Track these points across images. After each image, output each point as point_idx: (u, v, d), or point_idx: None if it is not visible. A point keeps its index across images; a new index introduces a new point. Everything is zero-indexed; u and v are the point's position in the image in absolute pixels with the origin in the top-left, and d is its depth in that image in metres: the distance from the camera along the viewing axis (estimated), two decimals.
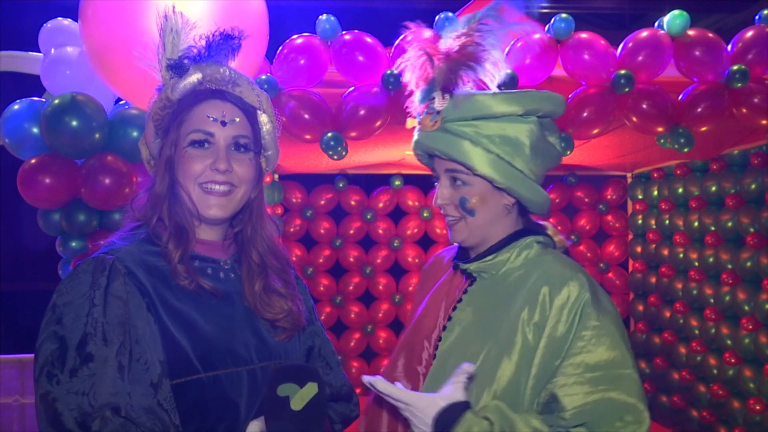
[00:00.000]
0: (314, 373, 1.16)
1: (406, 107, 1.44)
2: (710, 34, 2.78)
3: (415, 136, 1.42)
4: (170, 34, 1.24)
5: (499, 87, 1.40)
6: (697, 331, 4.03)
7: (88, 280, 1.12)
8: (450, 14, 2.70)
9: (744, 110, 2.78)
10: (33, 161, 2.72)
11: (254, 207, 1.31)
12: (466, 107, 1.34)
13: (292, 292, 1.33)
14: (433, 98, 1.36)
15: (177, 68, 1.23)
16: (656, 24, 2.80)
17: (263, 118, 1.30)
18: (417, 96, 1.40)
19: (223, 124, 1.23)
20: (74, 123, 2.60)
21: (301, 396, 1.13)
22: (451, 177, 1.38)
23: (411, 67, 1.39)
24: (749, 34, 2.80)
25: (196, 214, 1.24)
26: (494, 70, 1.36)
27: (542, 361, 1.26)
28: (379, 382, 1.22)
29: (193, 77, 1.23)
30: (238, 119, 1.25)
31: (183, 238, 1.21)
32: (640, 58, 2.72)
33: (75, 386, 1.05)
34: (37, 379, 1.07)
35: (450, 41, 1.37)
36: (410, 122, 1.44)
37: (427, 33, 1.39)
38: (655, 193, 4.56)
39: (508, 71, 1.38)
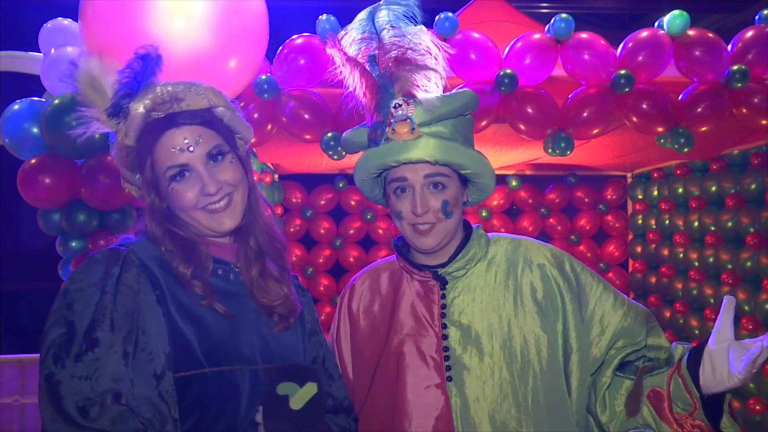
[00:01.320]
0: (314, 374, 1.18)
1: (365, 119, 1.42)
2: (710, 34, 2.78)
3: (386, 145, 1.37)
4: (90, 84, 1.21)
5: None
6: (697, 332, 4.03)
7: (101, 270, 1.14)
8: (450, 14, 2.70)
9: (744, 110, 2.78)
10: (33, 161, 2.72)
11: (251, 197, 1.32)
12: (436, 109, 1.36)
13: (286, 277, 1.35)
14: (399, 105, 1.35)
15: (117, 113, 1.22)
16: (656, 24, 2.80)
17: (219, 111, 1.28)
18: (370, 105, 1.38)
19: (190, 149, 1.22)
20: (74, 123, 2.60)
21: (300, 395, 1.14)
22: (432, 183, 1.39)
23: (351, 75, 1.39)
24: (749, 34, 2.80)
25: (210, 233, 1.26)
26: (441, 71, 1.39)
27: (574, 315, 1.43)
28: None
29: (137, 114, 1.21)
30: (200, 136, 1.23)
31: (193, 255, 1.23)
32: (640, 58, 2.72)
33: (79, 371, 1.06)
34: (43, 360, 1.09)
35: (382, 49, 1.36)
36: (372, 132, 1.39)
37: (348, 41, 1.39)
38: (655, 193, 4.56)
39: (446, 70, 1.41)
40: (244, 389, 1.20)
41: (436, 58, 1.38)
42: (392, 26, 1.37)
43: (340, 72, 1.41)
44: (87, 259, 1.17)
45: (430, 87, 1.39)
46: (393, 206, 1.45)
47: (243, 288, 1.28)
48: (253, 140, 1.41)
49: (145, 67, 1.22)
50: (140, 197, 1.32)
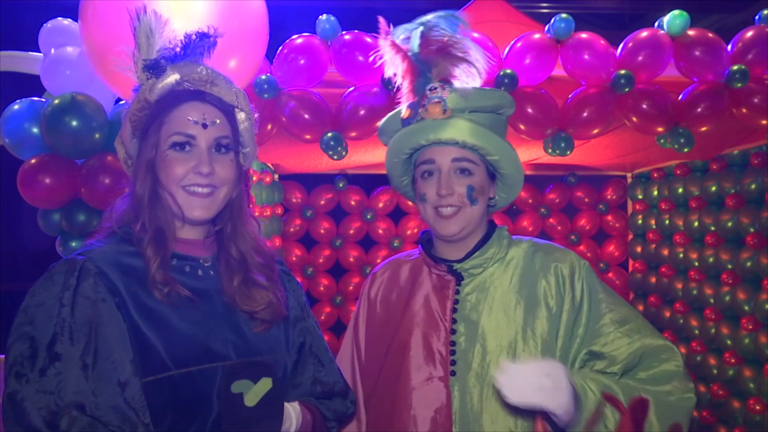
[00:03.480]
0: (269, 368, 1.17)
1: (398, 99, 1.48)
2: (710, 34, 2.78)
3: (418, 124, 1.43)
4: (144, 34, 1.23)
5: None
6: (697, 331, 4.03)
7: (60, 281, 1.13)
8: None
9: (744, 110, 2.78)
10: (33, 161, 2.72)
11: (235, 205, 1.32)
12: (470, 98, 1.41)
13: (273, 284, 1.33)
14: (434, 88, 1.40)
15: (154, 68, 1.23)
16: (656, 24, 2.80)
17: (241, 116, 1.31)
18: (407, 87, 1.45)
19: (204, 126, 1.23)
20: (74, 123, 2.60)
21: (255, 392, 1.14)
22: (459, 168, 1.43)
23: (393, 61, 1.45)
24: (749, 34, 2.80)
25: (180, 215, 1.24)
26: (480, 67, 1.45)
27: (566, 327, 1.42)
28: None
29: (171, 78, 1.23)
30: (218, 120, 1.25)
31: (162, 243, 1.21)
32: (640, 58, 2.72)
33: (44, 385, 1.06)
34: (6, 378, 1.08)
35: (426, 41, 1.43)
36: (406, 111, 1.45)
37: (398, 31, 1.47)
38: (655, 193, 4.56)
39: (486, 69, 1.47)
40: (214, 388, 1.19)
41: (477, 59, 1.44)
42: (439, 28, 1.43)
43: (384, 59, 1.46)
44: (46, 272, 1.17)
45: (468, 81, 1.44)
46: (419, 189, 1.49)
47: (213, 283, 1.27)
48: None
49: (198, 43, 1.25)
50: (124, 163, 1.31)
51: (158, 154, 1.23)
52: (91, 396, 1.07)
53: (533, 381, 1.24)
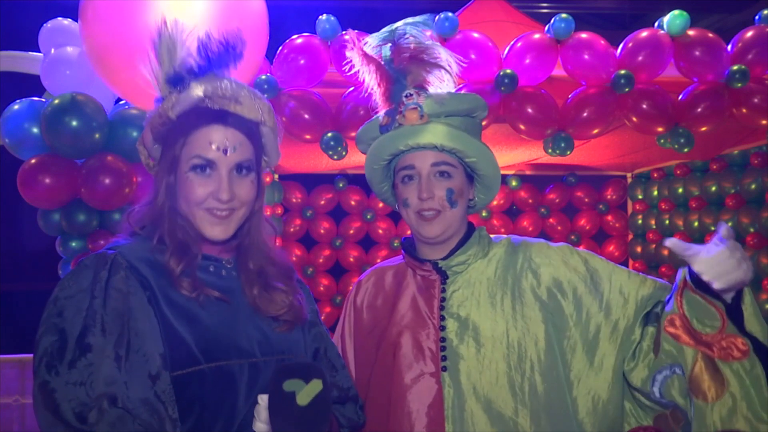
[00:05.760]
0: (319, 371, 1.17)
1: (372, 106, 1.51)
2: (710, 34, 2.78)
3: (396, 131, 1.45)
4: (165, 46, 1.22)
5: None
6: None
7: (90, 275, 1.13)
8: (450, 14, 2.70)
9: (744, 110, 2.78)
10: (33, 161, 2.72)
11: (253, 222, 1.32)
12: (445, 103, 1.43)
13: (292, 289, 1.35)
14: (410, 95, 1.43)
15: (176, 82, 1.22)
16: (656, 24, 2.81)
17: (264, 129, 1.30)
18: (382, 94, 1.48)
19: (225, 152, 1.22)
20: (74, 123, 2.61)
21: (306, 392, 1.14)
22: (438, 171, 1.45)
23: (366, 70, 1.48)
24: (749, 34, 2.80)
25: (199, 232, 1.25)
26: (452, 71, 1.48)
27: (592, 297, 1.46)
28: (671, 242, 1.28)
29: (194, 93, 1.21)
30: (240, 144, 1.24)
31: (185, 254, 1.22)
32: (640, 58, 2.72)
33: (73, 377, 1.06)
34: (36, 369, 1.08)
35: (398, 49, 1.46)
36: (384, 118, 1.47)
37: (368, 40, 1.49)
38: (655, 193, 4.56)
39: (457, 72, 1.48)
40: (242, 383, 1.20)
41: (449, 65, 1.46)
42: (409, 35, 1.45)
43: (356, 69, 1.48)
44: (76, 265, 1.17)
45: (441, 86, 1.46)
46: (400, 195, 1.50)
47: (236, 283, 1.29)
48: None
49: (223, 54, 1.24)
50: (146, 165, 1.32)
51: (179, 174, 1.23)
52: (123, 387, 1.07)
53: (733, 259, 1.24)
